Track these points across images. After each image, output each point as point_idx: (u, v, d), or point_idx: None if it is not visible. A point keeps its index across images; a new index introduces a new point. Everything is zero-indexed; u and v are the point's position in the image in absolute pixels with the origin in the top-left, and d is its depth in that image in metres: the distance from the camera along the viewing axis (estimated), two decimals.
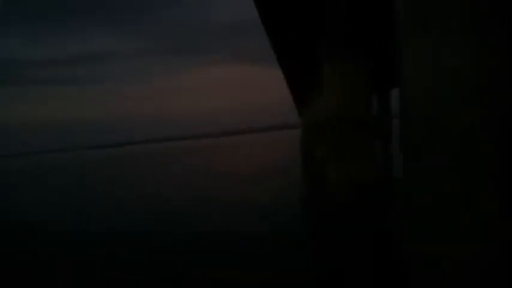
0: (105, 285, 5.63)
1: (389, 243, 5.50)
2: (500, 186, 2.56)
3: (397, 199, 7.37)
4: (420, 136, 2.70)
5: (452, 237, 2.65)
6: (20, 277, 5.98)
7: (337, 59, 6.53)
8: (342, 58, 6.55)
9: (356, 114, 6.53)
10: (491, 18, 2.51)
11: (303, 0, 5.48)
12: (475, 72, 2.51)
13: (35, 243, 7.63)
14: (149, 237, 7.73)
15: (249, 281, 5.26)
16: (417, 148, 2.73)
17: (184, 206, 10.92)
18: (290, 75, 10.95)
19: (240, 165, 21.23)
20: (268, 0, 5.38)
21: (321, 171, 11.49)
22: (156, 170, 23.27)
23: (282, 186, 11.80)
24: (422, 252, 2.75)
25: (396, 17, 2.88)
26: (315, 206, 8.68)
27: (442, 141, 2.59)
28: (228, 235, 7.48)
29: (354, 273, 4.36)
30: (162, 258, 6.20)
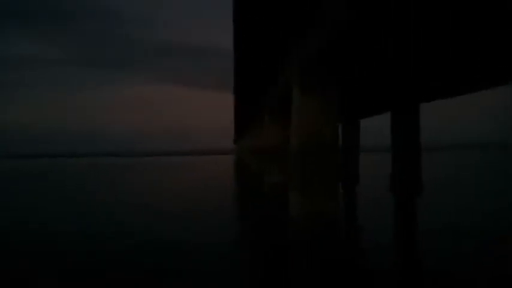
0: None
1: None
2: None
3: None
4: None
5: None
6: None
7: (307, 86, 6.41)
8: (311, 86, 6.41)
9: (324, 144, 6.33)
10: None
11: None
12: None
13: None
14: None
15: None
16: None
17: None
18: (240, 101, 12.50)
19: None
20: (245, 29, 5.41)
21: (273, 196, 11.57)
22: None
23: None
24: None
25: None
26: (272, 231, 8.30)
27: None
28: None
29: None
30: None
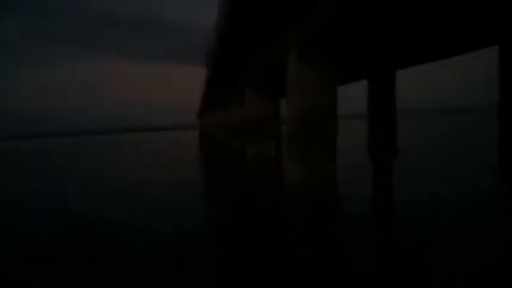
0: None
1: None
2: None
3: None
4: None
5: None
6: None
7: (306, 57, 6.65)
8: (310, 57, 6.66)
9: (324, 112, 6.67)
10: None
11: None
12: None
13: None
14: None
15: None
16: None
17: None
18: (216, 74, 12.48)
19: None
20: None
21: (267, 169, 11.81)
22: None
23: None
24: None
25: None
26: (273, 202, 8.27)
27: None
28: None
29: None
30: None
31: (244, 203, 7.99)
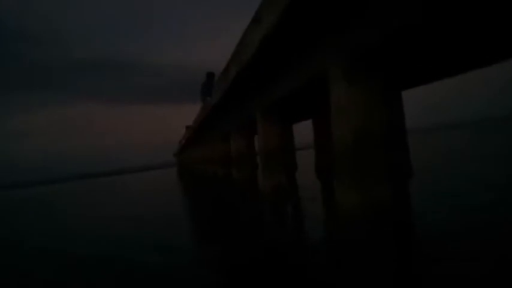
0: None
1: None
2: None
3: None
4: None
5: None
6: None
7: (354, 80, 6.38)
8: (358, 79, 6.39)
9: (376, 135, 6.34)
10: None
11: None
12: None
13: None
14: None
15: None
16: None
17: None
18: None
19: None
20: None
21: None
22: None
23: None
24: None
25: None
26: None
27: None
28: None
29: None
30: None
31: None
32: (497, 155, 19.08)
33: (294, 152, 16.93)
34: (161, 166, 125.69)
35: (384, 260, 6.29)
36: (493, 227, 6.93)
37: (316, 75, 7.20)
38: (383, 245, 6.58)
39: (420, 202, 10.00)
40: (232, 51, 9.14)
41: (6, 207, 36.24)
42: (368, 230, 6.12)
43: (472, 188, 11.06)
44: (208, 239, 9.59)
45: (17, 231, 16.29)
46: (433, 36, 6.02)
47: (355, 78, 6.24)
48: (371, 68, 6.31)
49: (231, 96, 11.92)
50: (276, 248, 7.80)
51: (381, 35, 5.32)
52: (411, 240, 7.18)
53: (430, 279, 5.03)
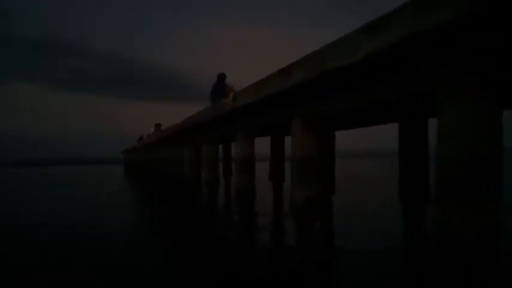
0: None
1: None
2: None
3: None
4: None
5: None
6: None
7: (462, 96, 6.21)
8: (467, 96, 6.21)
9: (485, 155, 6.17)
10: None
11: None
12: None
13: None
14: None
15: None
16: None
17: None
18: None
19: None
20: None
21: None
22: None
23: None
24: None
25: None
26: None
27: None
28: None
29: None
30: None
31: None
32: None
33: (333, 161, 16.02)
34: (98, 162, 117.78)
35: None
36: None
37: (415, 90, 6.99)
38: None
39: None
40: (303, 56, 8.67)
41: None
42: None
43: None
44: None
45: None
46: None
47: (467, 96, 6.10)
48: (482, 86, 6.22)
49: (267, 101, 11.35)
50: None
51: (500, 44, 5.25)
52: None
53: None
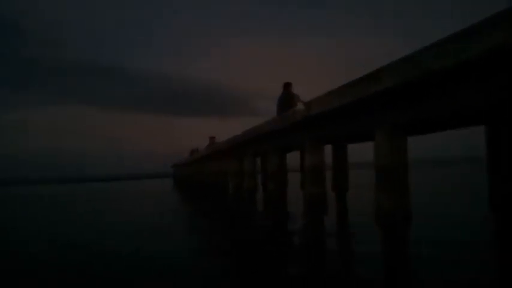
0: None
1: None
2: None
3: None
4: None
5: None
6: None
7: None
8: None
9: None
10: None
11: None
12: None
13: None
14: None
15: None
16: None
17: None
18: None
19: None
20: None
21: None
22: None
23: None
24: None
25: None
26: None
27: None
28: None
29: None
30: None
31: None
32: None
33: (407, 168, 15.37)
34: (149, 176, 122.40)
35: None
36: None
37: None
38: None
39: None
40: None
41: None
42: None
43: None
44: None
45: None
46: None
47: None
48: None
49: (349, 108, 11.14)
50: None
51: None
52: None
53: None
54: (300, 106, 14.14)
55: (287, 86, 15.83)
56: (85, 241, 13.25)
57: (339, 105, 11.03)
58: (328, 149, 17.33)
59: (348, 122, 12.03)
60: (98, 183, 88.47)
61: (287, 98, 15.44)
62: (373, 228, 10.83)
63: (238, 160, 25.66)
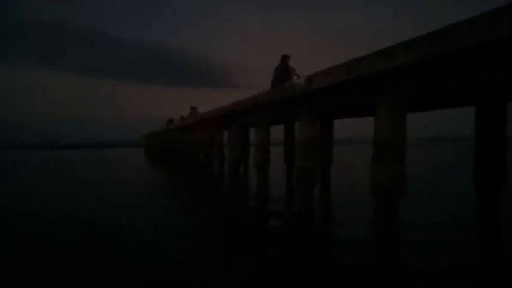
0: None
1: None
2: None
3: None
4: None
5: None
6: None
7: None
8: None
9: None
10: None
11: None
12: None
13: None
14: None
15: None
16: None
17: None
18: None
19: None
20: None
21: None
22: None
23: None
24: None
25: None
26: None
27: None
28: None
29: None
30: None
31: None
32: None
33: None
34: (117, 145, 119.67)
35: None
36: None
37: None
38: None
39: None
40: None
41: None
42: None
43: None
44: None
45: None
46: None
47: None
48: None
49: (358, 82, 11.40)
50: None
51: None
52: None
53: None
54: (297, 80, 14.22)
55: (284, 58, 15.79)
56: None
57: (346, 79, 11.25)
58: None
59: (351, 97, 12.31)
60: (71, 150, 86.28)
61: (283, 69, 15.44)
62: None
63: (225, 130, 25.63)
